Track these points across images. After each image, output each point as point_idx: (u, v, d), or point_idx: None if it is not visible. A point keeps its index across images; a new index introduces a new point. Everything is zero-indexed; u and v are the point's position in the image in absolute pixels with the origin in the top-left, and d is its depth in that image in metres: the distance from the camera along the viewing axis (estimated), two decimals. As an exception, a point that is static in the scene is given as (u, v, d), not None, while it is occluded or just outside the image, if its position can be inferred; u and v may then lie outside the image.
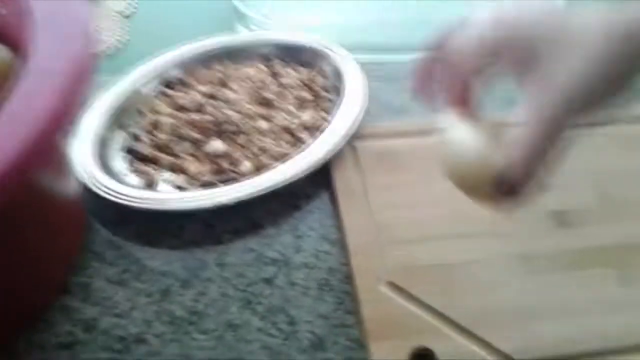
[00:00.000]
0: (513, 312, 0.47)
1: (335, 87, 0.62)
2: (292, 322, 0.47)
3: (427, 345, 0.45)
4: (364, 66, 0.65)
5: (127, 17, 0.92)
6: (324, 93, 0.62)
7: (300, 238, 0.53)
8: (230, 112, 0.57)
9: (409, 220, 0.52)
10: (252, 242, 0.52)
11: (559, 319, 0.47)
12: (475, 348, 0.45)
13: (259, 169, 0.54)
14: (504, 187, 0.37)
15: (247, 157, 0.55)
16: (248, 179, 0.53)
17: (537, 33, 0.36)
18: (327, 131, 0.57)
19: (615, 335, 0.46)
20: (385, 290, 0.48)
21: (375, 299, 0.47)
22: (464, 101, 0.41)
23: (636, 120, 0.62)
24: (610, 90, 0.36)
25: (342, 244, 0.52)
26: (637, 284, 0.49)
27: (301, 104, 0.60)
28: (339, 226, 0.53)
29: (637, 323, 0.47)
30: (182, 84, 0.63)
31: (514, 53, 0.37)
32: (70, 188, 0.51)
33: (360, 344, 0.46)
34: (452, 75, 0.40)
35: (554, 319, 0.47)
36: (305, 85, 0.62)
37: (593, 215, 0.54)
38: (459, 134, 0.41)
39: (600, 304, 0.48)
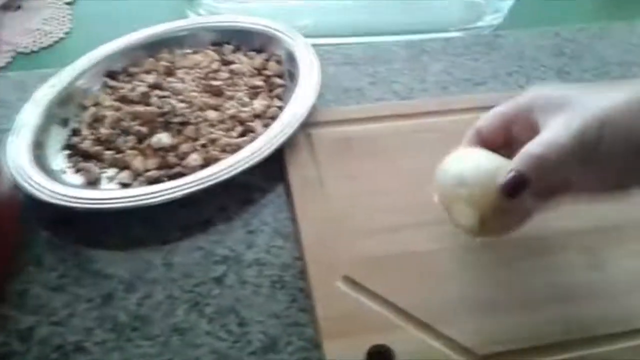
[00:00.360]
0: (476, 304, 0.45)
1: (290, 72, 0.60)
2: (242, 324, 0.45)
3: (385, 342, 0.43)
4: (320, 50, 0.63)
5: (69, 4, 0.87)
6: (277, 79, 0.59)
7: (252, 233, 0.50)
8: (176, 103, 0.54)
9: (366, 210, 0.50)
10: (201, 239, 0.49)
11: (525, 309, 0.45)
12: (435, 344, 0.43)
13: (208, 161, 0.52)
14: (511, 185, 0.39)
15: (195, 150, 0.53)
16: (196, 172, 0.50)
17: (538, 105, 0.41)
18: (279, 119, 0.54)
19: (586, 325, 0.44)
20: (340, 285, 0.46)
21: (330, 295, 0.45)
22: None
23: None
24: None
25: (296, 238, 0.49)
26: (609, 269, 0.47)
27: (253, 91, 0.58)
28: (294, 219, 0.50)
29: (609, 311, 0.45)
30: (126, 74, 0.59)
31: (522, 123, 0.42)
32: (2, 189, 0.48)
33: (315, 344, 0.44)
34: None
35: (520, 310, 0.45)
36: (258, 71, 0.60)
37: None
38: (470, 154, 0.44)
39: (569, 291, 0.46)
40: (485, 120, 0.45)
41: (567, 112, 0.39)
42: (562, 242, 0.49)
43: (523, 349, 0.43)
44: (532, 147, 0.39)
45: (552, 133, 0.39)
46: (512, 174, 0.39)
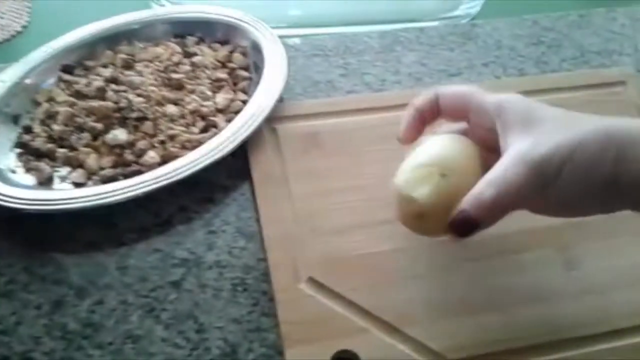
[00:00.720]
0: (445, 306, 0.43)
1: (256, 65, 0.57)
2: (200, 330, 0.42)
3: (350, 348, 0.41)
4: (288, 41, 0.61)
5: (27, -4, 0.84)
6: (242, 72, 0.57)
7: (213, 234, 0.48)
8: (134, 97, 0.52)
9: (333, 209, 0.48)
10: (159, 241, 0.47)
11: (497, 310, 0.43)
12: (403, 347, 0.41)
13: (166, 159, 0.49)
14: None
15: (153, 147, 0.50)
16: (154, 170, 0.48)
17: (506, 117, 0.39)
18: (243, 113, 0.52)
19: (561, 326, 0.42)
20: (304, 287, 0.44)
21: (294, 298, 0.43)
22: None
23: (565, 90, 0.58)
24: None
25: (260, 238, 0.47)
26: (586, 268, 0.46)
27: (216, 85, 0.55)
28: (258, 218, 0.48)
29: (585, 312, 0.43)
30: (82, 68, 0.57)
31: (480, 120, 0.41)
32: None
33: (278, 350, 0.42)
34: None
35: (492, 311, 0.43)
36: (222, 64, 0.57)
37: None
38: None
39: (543, 291, 0.44)
40: (445, 95, 0.43)
41: (531, 135, 0.37)
42: (536, 240, 0.47)
43: (495, 352, 0.41)
44: (485, 189, 0.36)
45: (509, 169, 0.36)
46: (462, 215, 0.37)
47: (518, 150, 0.37)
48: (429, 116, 0.44)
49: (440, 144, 0.41)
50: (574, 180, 0.36)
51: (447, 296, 0.43)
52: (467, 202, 0.37)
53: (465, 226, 0.37)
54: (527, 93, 0.57)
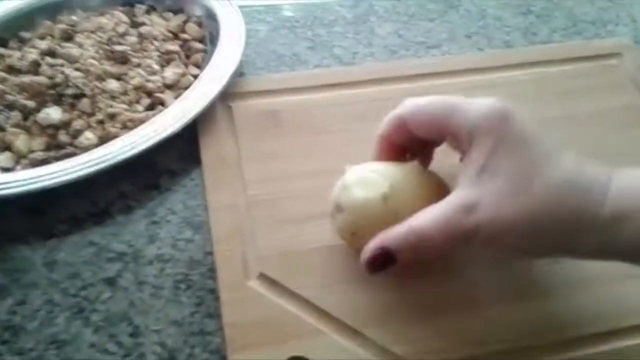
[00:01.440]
0: (411, 306, 0.39)
1: (211, 36, 0.52)
2: (135, 333, 0.38)
3: (303, 353, 0.36)
4: (250, 11, 0.56)
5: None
6: (196, 44, 0.52)
7: (156, 224, 0.43)
8: (71, 72, 0.47)
9: (289, 196, 0.43)
10: (94, 233, 0.42)
11: (466, 310, 0.39)
12: (363, 353, 0.37)
13: (104, 140, 0.45)
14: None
15: (90, 127, 0.45)
16: (90, 152, 0.43)
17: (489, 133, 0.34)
18: (194, 88, 0.47)
19: (538, 329, 0.38)
20: (254, 285, 0.39)
21: (241, 298, 0.39)
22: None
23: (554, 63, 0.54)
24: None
25: (209, 230, 0.42)
26: (571, 260, 0.41)
27: (166, 58, 0.50)
28: (207, 206, 0.43)
29: (568, 312, 0.39)
30: (18, 40, 0.52)
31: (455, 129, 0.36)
32: None
33: (222, 356, 0.37)
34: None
35: (460, 312, 0.38)
36: (174, 35, 0.52)
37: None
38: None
39: (525, 288, 0.40)
40: (413, 120, 0.38)
41: (479, 187, 0.33)
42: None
43: (467, 357, 0.36)
44: (409, 234, 0.34)
45: (439, 224, 0.33)
46: (379, 251, 0.34)
47: (456, 204, 0.33)
48: (401, 140, 0.39)
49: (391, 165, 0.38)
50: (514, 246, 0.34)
51: (413, 296, 0.39)
52: (388, 239, 0.34)
53: (379, 262, 0.35)
54: (514, 67, 0.53)
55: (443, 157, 0.41)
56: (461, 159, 0.37)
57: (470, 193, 0.33)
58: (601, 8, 0.60)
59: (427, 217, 0.34)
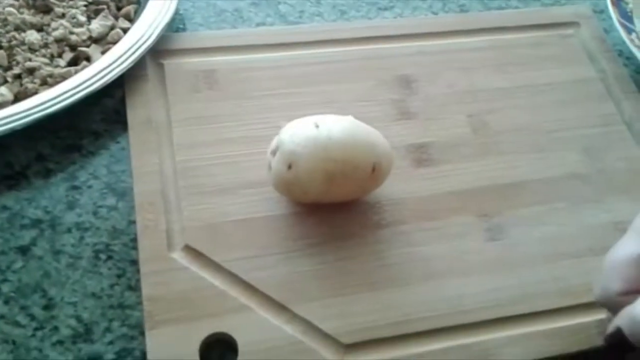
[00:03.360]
0: (342, 281, 0.39)
1: (145, -14, 0.50)
2: (49, 306, 0.37)
3: (227, 330, 0.36)
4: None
5: None
6: (127, -6, 0.50)
7: (76, 190, 0.42)
8: (-15, 20, 0.44)
9: (219, 163, 0.42)
10: (7, 197, 0.41)
11: (406, 286, 0.39)
12: (290, 329, 0.37)
13: (21, 96, 0.43)
14: None
15: (6, 82, 0.43)
16: (4, 109, 0.41)
17: None
18: (122, 43, 0.45)
19: (476, 307, 0.38)
20: (178, 257, 0.38)
21: (163, 270, 0.38)
22: None
23: (510, 30, 0.53)
24: None
25: (133, 197, 0.41)
26: (510, 238, 0.42)
27: (94, 8, 0.48)
28: (132, 173, 0.42)
29: (504, 290, 0.39)
30: None
31: None
32: None
33: (141, 331, 0.37)
34: None
35: (395, 287, 0.39)
36: (103, -17, 0.50)
37: (461, 149, 0.45)
38: None
39: (458, 265, 0.40)
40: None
41: None
42: (456, 204, 0.42)
43: (396, 336, 0.37)
44: None
45: None
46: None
47: None
48: None
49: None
50: None
51: (344, 269, 0.39)
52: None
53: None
54: (468, 33, 0.53)
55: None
56: None
57: None
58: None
59: None
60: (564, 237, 0.43)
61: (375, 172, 0.38)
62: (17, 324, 0.36)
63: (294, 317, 0.37)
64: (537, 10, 0.56)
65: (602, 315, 0.39)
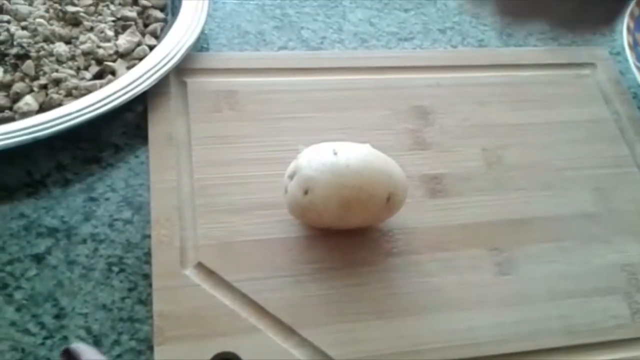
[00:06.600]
0: (353, 307, 0.38)
1: (173, 5, 0.50)
2: (60, 315, 0.37)
3: (234, 350, 0.36)
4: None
5: None
6: (155, 12, 0.50)
7: (94, 201, 0.42)
8: (16, 30, 0.45)
9: (236, 182, 0.42)
10: (26, 205, 0.41)
11: (415, 316, 0.39)
12: (297, 353, 0.36)
13: (46, 107, 0.43)
14: None
15: (32, 91, 0.43)
16: (29, 118, 0.41)
17: None
18: (147, 60, 0.45)
19: (484, 340, 0.38)
20: (191, 274, 0.38)
21: (175, 286, 0.38)
22: None
23: (527, 68, 0.54)
24: None
25: (149, 211, 0.41)
26: (520, 273, 0.41)
27: (121, 24, 0.48)
28: (149, 187, 0.42)
29: (511, 326, 0.39)
30: (-37, -10, 0.49)
31: None
32: None
33: (150, 345, 0.36)
34: None
35: (405, 316, 0.38)
36: (133, 0, 0.50)
37: (474, 183, 0.45)
38: None
39: (468, 298, 0.40)
40: None
41: None
42: (468, 237, 0.42)
43: (402, 366, 0.36)
44: None
45: None
46: None
47: None
48: None
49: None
50: None
51: (354, 296, 0.38)
52: None
53: None
54: (485, 67, 0.53)
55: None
56: None
57: None
58: (581, 15, 0.60)
59: None
60: (572, 276, 0.42)
61: (390, 202, 0.38)
62: (28, 332, 0.36)
63: (303, 341, 0.37)
64: (555, 49, 0.56)
65: (606, 356, 0.39)
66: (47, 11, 0.47)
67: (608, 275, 0.43)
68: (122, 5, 0.50)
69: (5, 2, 0.47)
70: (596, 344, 0.40)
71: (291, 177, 0.38)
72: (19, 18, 0.46)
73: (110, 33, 0.47)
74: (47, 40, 0.45)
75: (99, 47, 0.46)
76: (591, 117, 0.51)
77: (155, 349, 0.35)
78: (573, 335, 0.40)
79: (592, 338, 0.40)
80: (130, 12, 0.49)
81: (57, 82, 0.44)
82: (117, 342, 0.37)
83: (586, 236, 0.44)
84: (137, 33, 0.48)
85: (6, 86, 0.44)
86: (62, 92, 0.44)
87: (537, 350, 0.39)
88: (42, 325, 0.37)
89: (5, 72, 0.44)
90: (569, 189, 0.47)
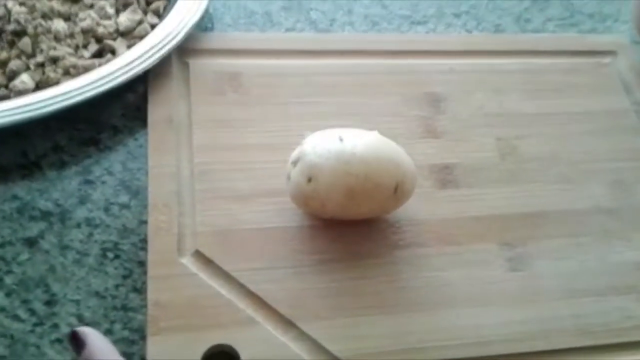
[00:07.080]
0: (355, 301, 0.36)
1: (178, -17, 0.48)
2: (51, 301, 0.36)
3: (230, 342, 0.34)
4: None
5: None
6: (158, -11, 0.48)
7: (89, 184, 0.40)
8: (14, 5, 0.43)
9: (238, 168, 0.41)
10: (19, 186, 0.40)
11: (421, 312, 0.37)
12: (295, 347, 0.35)
13: (42, 85, 0.41)
14: None
15: (29, 69, 0.42)
16: (24, 97, 0.40)
17: None
18: (149, 39, 0.44)
19: (492, 340, 0.36)
20: (188, 262, 0.37)
21: (171, 275, 0.36)
22: None
23: (545, 55, 0.51)
24: None
25: (146, 196, 0.39)
26: (532, 270, 0.39)
27: (123, 2, 0.47)
28: (147, 171, 0.40)
29: (521, 324, 0.37)
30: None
31: None
32: None
33: (143, 335, 0.35)
34: None
35: (410, 312, 0.37)
36: (135, -24, 0.48)
37: (487, 174, 0.43)
38: None
39: (481, 293, 0.38)
40: None
41: None
42: (479, 231, 0.40)
43: (406, 363, 0.35)
44: None
45: None
46: None
47: None
48: None
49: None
50: None
51: (357, 289, 0.37)
52: None
53: None
54: (501, 54, 0.51)
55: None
56: None
57: None
58: (602, 0, 0.57)
59: None
60: (586, 273, 0.40)
61: (397, 193, 0.36)
62: (17, 318, 0.35)
63: (301, 334, 0.35)
64: (574, 37, 0.54)
65: (620, 358, 0.37)
66: (46, -14, 0.45)
67: (625, 273, 0.41)
68: (125, -19, 0.48)
69: (4, -24, 0.45)
70: (611, 345, 0.38)
71: (295, 163, 0.36)
72: (17, -7, 0.44)
73: (111, 10, 0.46)
74: (45, 16, 0.44)
75: (98, 24, 0.45)
76: (611, 107, 0.49)
77: (149, 339, 0.34)
78: (586, 335, 0.38)
79: (607, 339, 0.38)
80: (133, -11, 0.47)
81: (54, 60, 0.42)
82: (109, 331, 0.35)
83: (603, 232, 0.42)
84: (139, 11, 0.46)
85: (2, 63, 0.42)
86: (60, 70, 0.42)
87: (549, 351, 0.37)
88: (32, 312, 0.35)
89: (1, 49, 0.42)
90: (586, 183, 0.44)
